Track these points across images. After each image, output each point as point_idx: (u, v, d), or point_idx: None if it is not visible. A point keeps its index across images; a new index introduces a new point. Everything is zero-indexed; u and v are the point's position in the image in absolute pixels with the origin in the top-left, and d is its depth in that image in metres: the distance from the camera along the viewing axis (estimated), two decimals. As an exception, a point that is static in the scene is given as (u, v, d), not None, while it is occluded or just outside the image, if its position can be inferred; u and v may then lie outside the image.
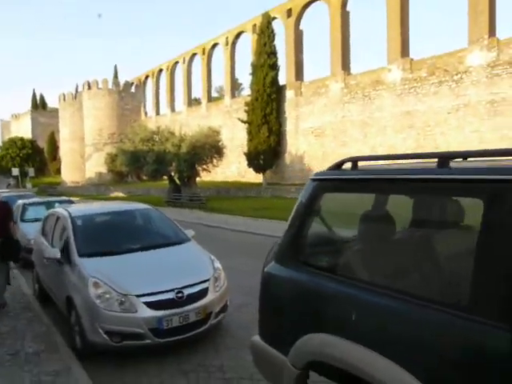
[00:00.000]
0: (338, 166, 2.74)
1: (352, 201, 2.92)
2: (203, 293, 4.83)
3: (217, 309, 4.97)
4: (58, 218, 6.24)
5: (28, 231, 9.59)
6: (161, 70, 52.89)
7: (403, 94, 26.77)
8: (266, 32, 33.49)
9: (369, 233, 2.72)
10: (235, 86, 41.64)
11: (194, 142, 25.40)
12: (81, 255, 5.06)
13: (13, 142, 61.54)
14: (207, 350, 4.88)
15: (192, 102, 49.98)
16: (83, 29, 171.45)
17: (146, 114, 55.98)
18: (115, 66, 77.17)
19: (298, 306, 2.67)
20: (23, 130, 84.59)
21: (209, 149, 26.30)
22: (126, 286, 4.58)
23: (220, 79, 48.01)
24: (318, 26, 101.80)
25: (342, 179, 2.74)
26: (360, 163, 2.66)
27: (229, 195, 32.69)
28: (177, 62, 49.64)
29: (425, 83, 25.66)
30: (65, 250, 5.27)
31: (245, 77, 79.33)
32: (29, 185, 54.86)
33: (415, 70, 26.18)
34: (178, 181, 28.20)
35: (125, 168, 27.74)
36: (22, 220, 10.62)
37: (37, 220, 9.96)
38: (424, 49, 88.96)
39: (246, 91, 46.50)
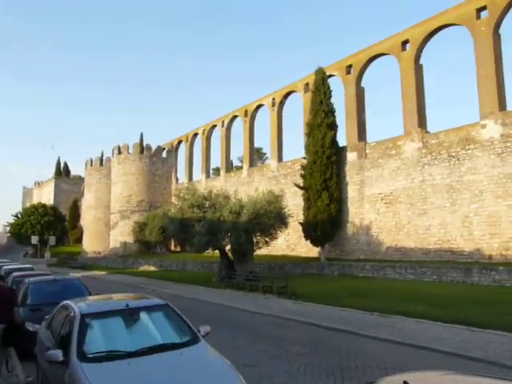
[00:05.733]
0: None
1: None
2: None
3: None
4: None
5: None
6: (196, 135, 50.06)
7: (505, 152, 22.40)
8: (321, 89, 30.21)
9: None
10: (281, 150, 37.84)
11: (259, 209, 20.82)
12: None
13: (34, 209, 58.11)
14: None
15: (228, 167, 46.55)
16: (106, 103, 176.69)
17: (177, 180, 52.52)
18: (141, 134, 75.51)
19: None
20: (45, 197, 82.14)
21: (274, 217, 21.63)
22: None
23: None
24: (375, 81, 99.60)
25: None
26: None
27: (284, 272, 27.56)
28: (214, 126, 46.81)
29: (536, 140, 21.39)
30: None
31: (266, 145, 75.76)
32: (47, 254, 50.72)
33: (520, 125, 22.05)
34: (231, 255, 23.27)
35: (172, 238, 22.99)
36: (83, 357, 4.53)
37: (114, 357, 4.67)
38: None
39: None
